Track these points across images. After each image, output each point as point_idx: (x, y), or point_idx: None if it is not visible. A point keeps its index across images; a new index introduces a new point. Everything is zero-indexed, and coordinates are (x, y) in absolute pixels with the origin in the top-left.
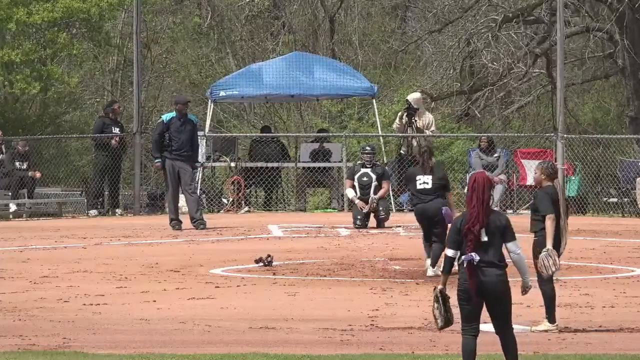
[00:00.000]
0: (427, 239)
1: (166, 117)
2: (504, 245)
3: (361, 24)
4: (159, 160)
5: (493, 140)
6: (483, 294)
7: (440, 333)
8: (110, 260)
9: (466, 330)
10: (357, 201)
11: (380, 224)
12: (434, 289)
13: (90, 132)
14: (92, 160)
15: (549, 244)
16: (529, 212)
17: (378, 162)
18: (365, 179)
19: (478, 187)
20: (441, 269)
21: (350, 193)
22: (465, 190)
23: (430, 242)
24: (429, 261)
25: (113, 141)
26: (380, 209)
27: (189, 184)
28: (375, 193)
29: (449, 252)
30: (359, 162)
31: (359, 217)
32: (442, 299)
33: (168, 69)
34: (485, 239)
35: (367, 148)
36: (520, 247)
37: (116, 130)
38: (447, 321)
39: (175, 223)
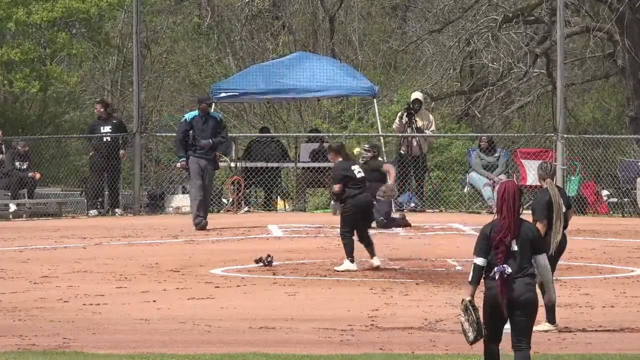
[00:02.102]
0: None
1: (189, 116)
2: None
3: (361, 24)
4: (184, 159)
5: (493, 140)
6: (513, 306)
7: (443, 332)
8: (110, 260)
9: (491, 338)
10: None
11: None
12: (462, 301)
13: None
14: (89, 161)
15: None
16: (529, 211)
17: None
18: None
19: (509, 197)
20: (469, 280)
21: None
22: (466, 190)
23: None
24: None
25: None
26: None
27: (209, 185)
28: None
29: (479, 260)
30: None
31: None
32: (472, 310)
33: (168, 69)
34: (515, 248)
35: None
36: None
37: (107, 128)
38: (479, 332)
39: (201, 219)
